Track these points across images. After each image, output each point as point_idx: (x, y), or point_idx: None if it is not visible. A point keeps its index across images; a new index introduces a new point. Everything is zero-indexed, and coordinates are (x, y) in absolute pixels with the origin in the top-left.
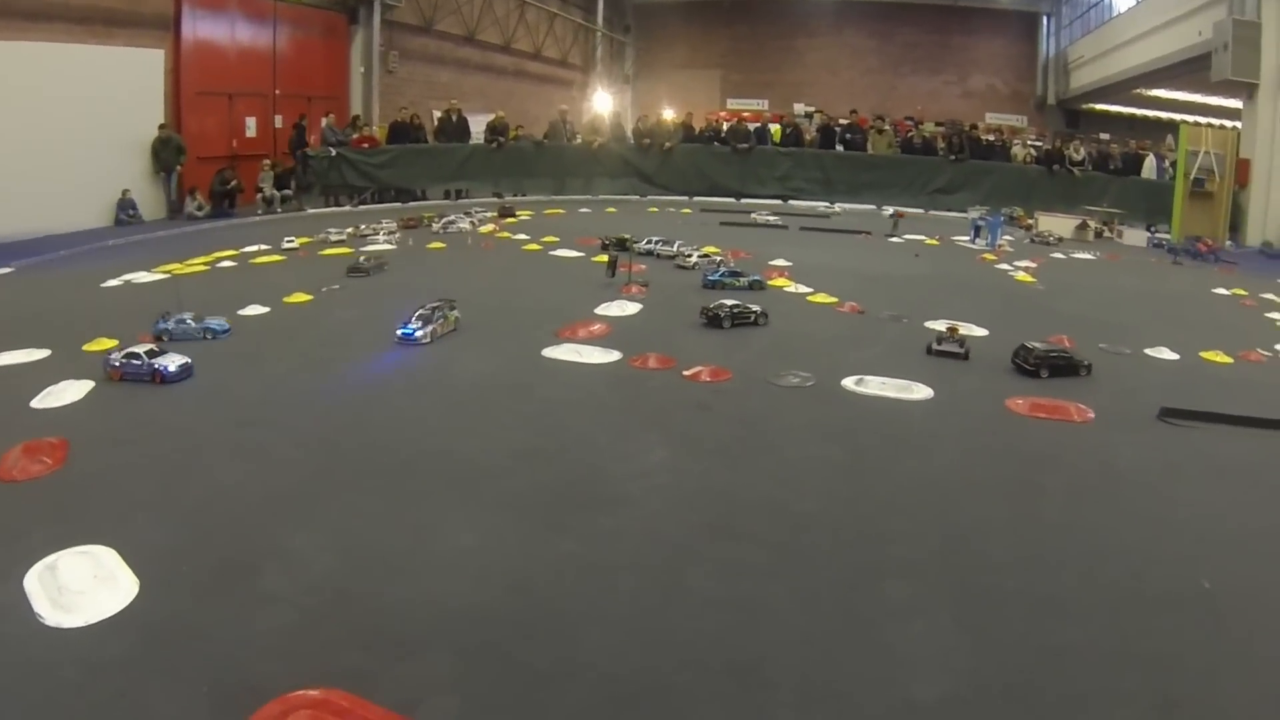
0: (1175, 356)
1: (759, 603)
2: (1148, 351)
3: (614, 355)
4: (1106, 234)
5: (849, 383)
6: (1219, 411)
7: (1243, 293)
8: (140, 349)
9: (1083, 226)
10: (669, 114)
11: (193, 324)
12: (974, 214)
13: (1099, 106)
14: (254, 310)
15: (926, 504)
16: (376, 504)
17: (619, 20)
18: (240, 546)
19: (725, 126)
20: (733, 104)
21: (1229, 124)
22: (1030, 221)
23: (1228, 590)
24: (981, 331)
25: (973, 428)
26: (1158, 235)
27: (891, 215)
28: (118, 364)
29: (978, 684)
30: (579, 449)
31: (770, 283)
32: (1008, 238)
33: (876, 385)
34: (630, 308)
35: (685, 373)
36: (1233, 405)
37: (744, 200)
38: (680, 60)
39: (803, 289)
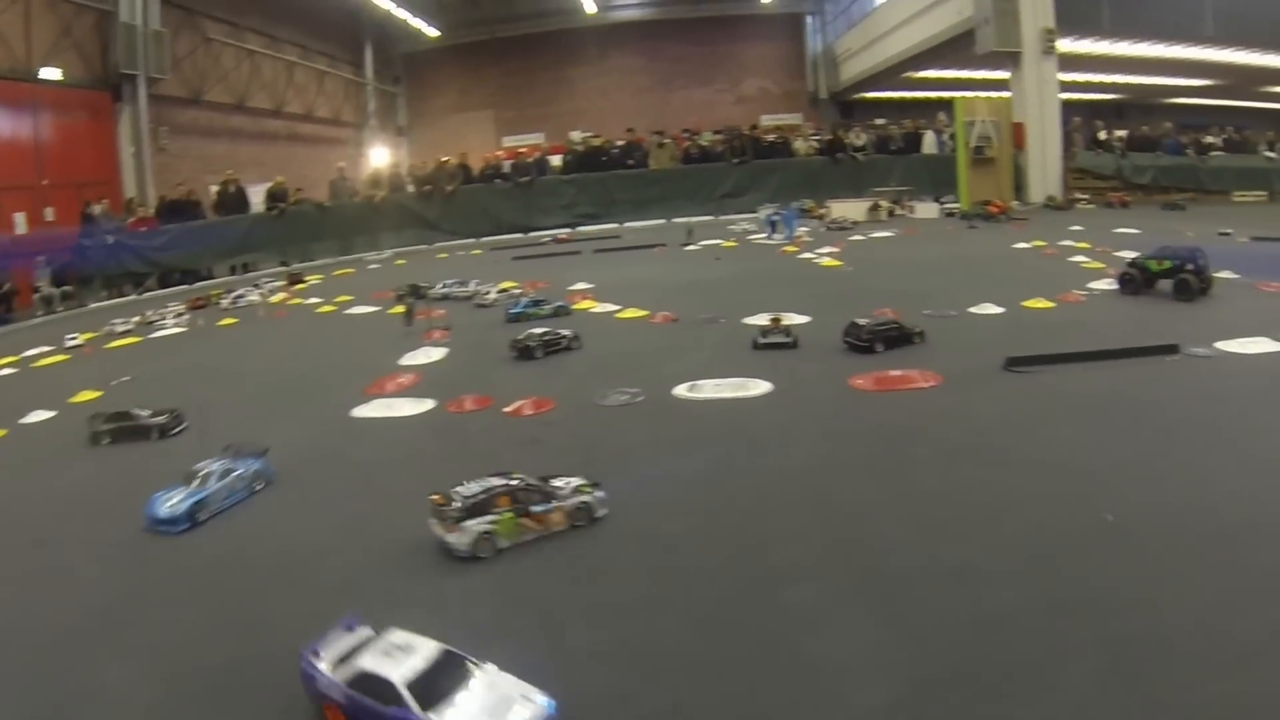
0: (1000, 310)
1: (650, 643)
2: (972, 310)
3: (427, 404)
4: (899, 211)
5: (682, 390)
6: (1061, 352)
7: (1042, 244)
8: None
9: (874, 208)
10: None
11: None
12: (765, 211)
13: (870, 95)
14: (38, 416)
15: (799, 499)
16: (196, 613)
17: (388, 72)
18: (46, 690)
19: (506, 164)
20: (509, 141)
21: (998, 95)
22: (823, 211)
23: (1132, 520)
24: (803, 319)
25: (823, 413)
26: (948, 205)
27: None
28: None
29: (920, 677)
30: (406, 511)
31: (575, 306)
32: (804, 229)
33: (711, 388)
34: (435, 353)
35: (506, 409)
36: (1068, 344)
37: (532, 233)
38: (453, 105)
39: (610, 307)
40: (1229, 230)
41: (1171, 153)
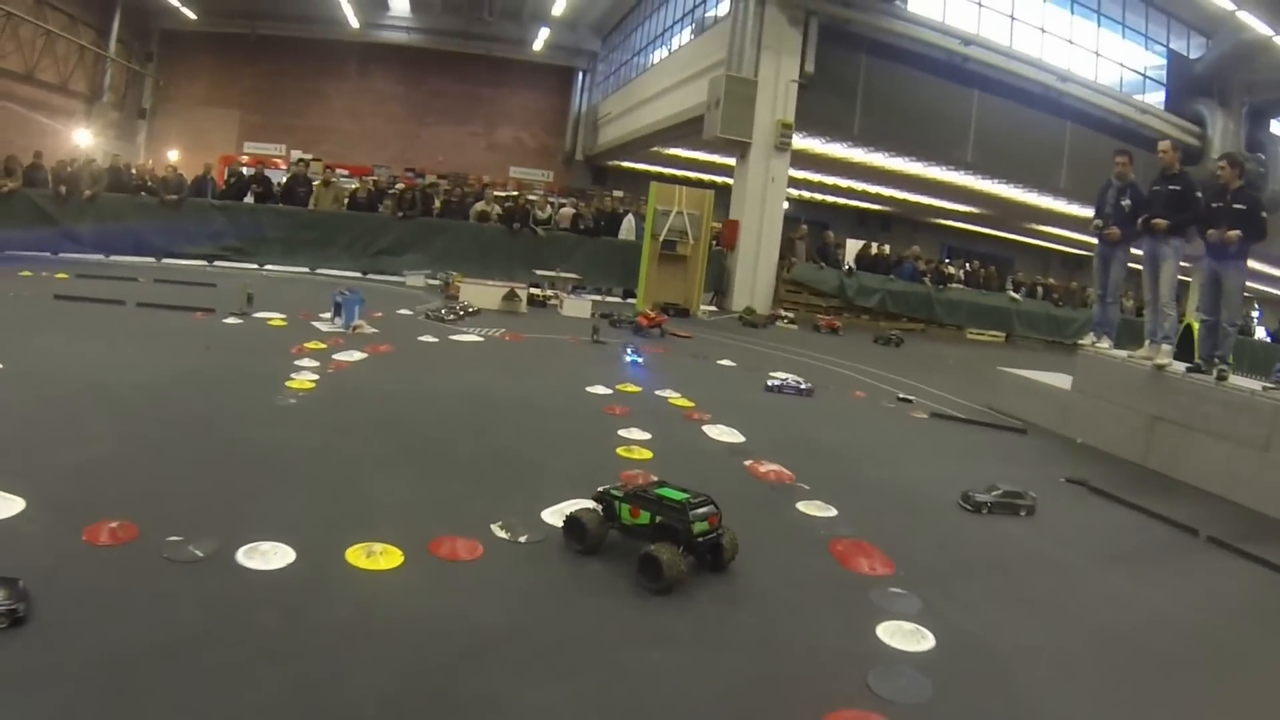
0: (288, 561)
1: None
2: (241, 558)
3: None
4: (552, 302)
5: None
6: None
7: (635, 390)
8: None
9: (511, 296)
10: (174, 155)
11: None
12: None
13: (626, 164)
14: None
15: None
16: None
17: (141, 47)
18: None
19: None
20: (251, 148)
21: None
22: (458, 288)
23: None
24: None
25: None
26: (612, 306)
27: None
28: None
29: None
30: None
31: None
32: (408, 313)
33: None
34: None
35: None
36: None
37: (165, 261)
38: (201, 97)
39: None
40: (910, 397)
41: (907, 278)
